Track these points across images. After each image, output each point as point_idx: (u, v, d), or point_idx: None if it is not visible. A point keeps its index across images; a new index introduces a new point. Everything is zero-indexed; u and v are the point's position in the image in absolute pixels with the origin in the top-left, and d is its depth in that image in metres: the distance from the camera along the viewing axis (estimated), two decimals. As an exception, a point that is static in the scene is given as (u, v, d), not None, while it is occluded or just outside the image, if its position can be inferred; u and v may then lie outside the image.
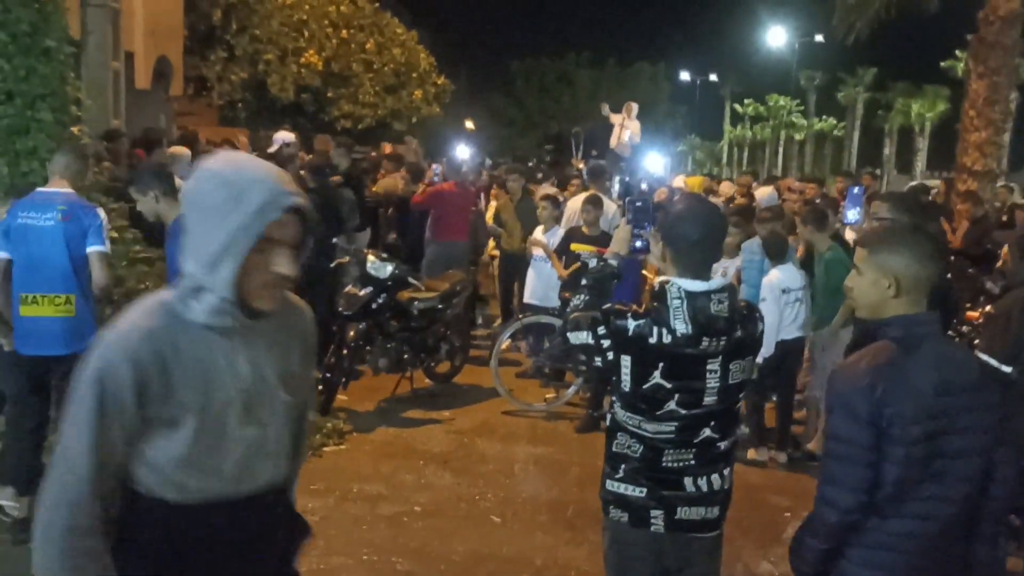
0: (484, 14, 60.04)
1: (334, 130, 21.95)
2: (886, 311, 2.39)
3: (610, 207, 8.05)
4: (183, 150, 9.45)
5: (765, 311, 6.01)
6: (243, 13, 19.59)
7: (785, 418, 6.51)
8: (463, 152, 14.85)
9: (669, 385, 2.62)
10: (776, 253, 6.40)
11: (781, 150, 63.00)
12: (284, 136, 10.23)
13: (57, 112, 5.79)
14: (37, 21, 5.73)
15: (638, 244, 2.95)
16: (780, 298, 6.26)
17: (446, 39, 44.93)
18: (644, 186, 8.47)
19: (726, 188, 12.12)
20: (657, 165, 16.28)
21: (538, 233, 8.36)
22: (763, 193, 10.65)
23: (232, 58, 19.75)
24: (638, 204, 2.96)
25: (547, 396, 7.72)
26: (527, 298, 8.22)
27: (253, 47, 19.75)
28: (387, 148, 14.66)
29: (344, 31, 21.65)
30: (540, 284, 8.12)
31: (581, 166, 15.51)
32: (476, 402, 7.59)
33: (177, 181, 4.97)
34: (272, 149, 9.62)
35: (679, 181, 12.91)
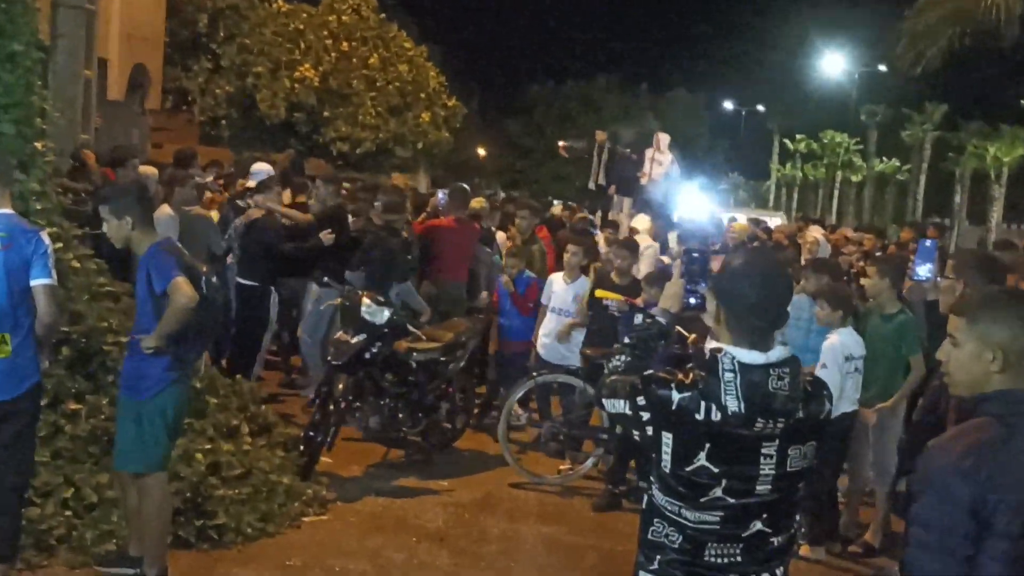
0: (502, 30, 60.91)
1: (329, 154, 22.18)
2: (988, 387, 2.36)
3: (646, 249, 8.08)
4: (151, 170, 9.56)
5: (828, 382, 5.99)
6: (232, 20, 19.94)
7: (833, 506, 6.44)
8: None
9: (716, 469, 2.59)
10: (844, 312, 6.35)
11: (836, 193, 63.18)
12: (263, 168, 10.24)
13: (21, 124, 5.85)
14: (2, 23, 5.81)
15: (692, 301, 2.94)
16: (843, 367, 6.21)
17: (458, 56, 45.59)
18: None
19: (815, 232, 11.66)
20: (700, 207, 16.34)
21: (558, 282, 8.30)
22: (812, 240, 10.58)
23: (217, 69, 20.06)
24: (695, 255, 2.96)
25: (561, 467, 7.64)
26: (541, 354, 8.18)
27: (241, 58, 20.05)
28: (397, 179, 14.75)
29: (345, 43, 21.93)
30: (555, 338, 8.05)
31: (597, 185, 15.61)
32: (479, 471, 7.53)
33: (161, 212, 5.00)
34: (251, 184, 9.63)
35: (740, 222, 12.81)
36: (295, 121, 21.34)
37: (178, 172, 8.75)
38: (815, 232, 10.95)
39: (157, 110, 17.81)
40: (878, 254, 10.71)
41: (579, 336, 7.99)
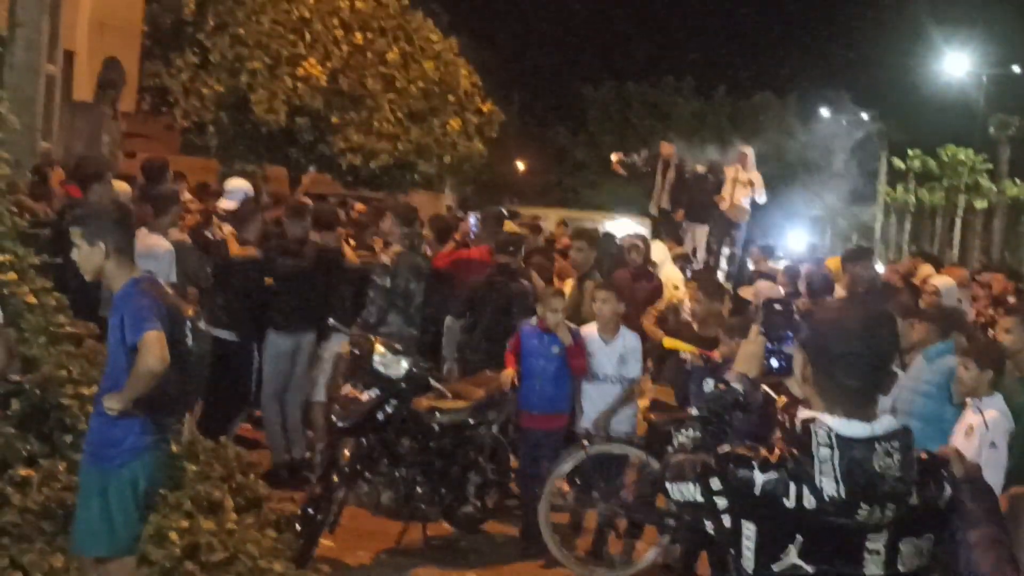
0: (548, 20, 61.22)
1: (338, 168, 22.32)
2: None
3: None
4: (122, 186, 9.69)
5: (995, 465, 5.91)
6: (223, 6, 20.19)
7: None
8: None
9: (811, 569, 2.58)
10: (997, 373, 6.21)
11: (958, 223, 62.65)
12: (240, 187, 10.31)
13: (-31, 129, 5.98)
14: (-48, 11, 5.95)
15: (775, 364, 2.94)
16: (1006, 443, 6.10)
17: (495, 51, 45.82)
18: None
19: (954, 277, 11.40)
20: (797, 238, 16.38)
21: (594, 340, 8.02)
22: (944, 283, 10.45)
23: (205, 65, 20.29)
24: (776, 307, 2.96)
25: (618, 556, 7.61)
26: (584, 423, 8.04)
27: (234, 51, 20.27)
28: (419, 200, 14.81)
29: (358, 35, 22.08)
30: (600, 406, 7.89)
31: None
32: (513, 560, 7.54)
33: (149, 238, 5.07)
34: (230, 206, 9.69)
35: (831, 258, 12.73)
36: (297, 128, 21.46)
37: (162, 189, 8.85)
38: (941, 277, 10.74)
39: (132, 113, 18.06)
40: (1011, 299, 10.58)
41: (631, 409, 7.90)
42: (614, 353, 7.93)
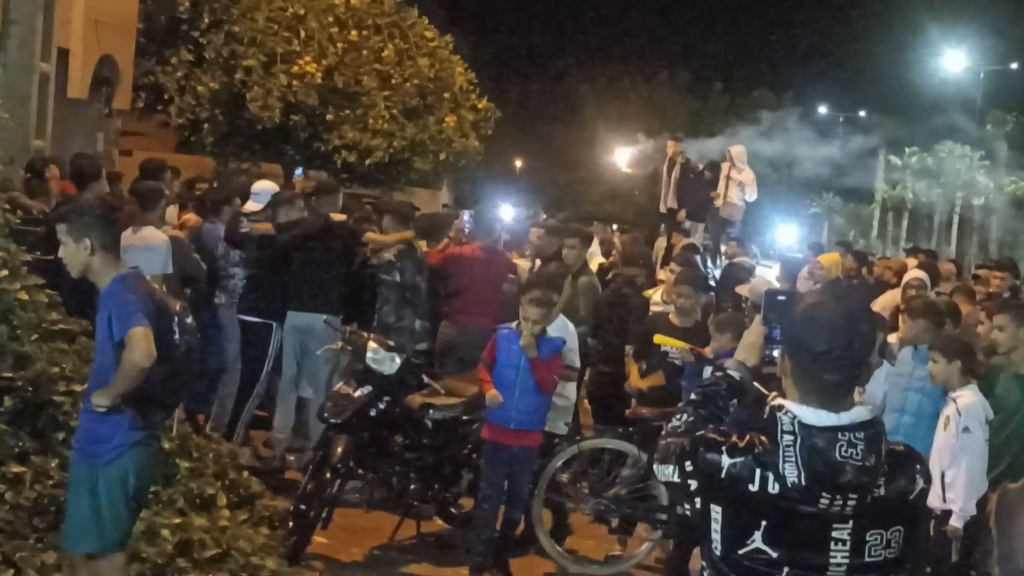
0: (544, 16, 61.18)
1: (333, 166, 22.32)
2: None
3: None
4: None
5: (972, 450, 5.96)
6: (218, 3, 20.19)
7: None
8: (508, 208, 15.04)
9: (774, 554, 2.60)
10: (964, 365, 6.28)
11: (955, 219, 62.60)
12: (269, 188, 10.12)
13: (-38, 127, 5.99)
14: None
15: (776, 354, 2.97)
16: (985, 433, 6.16)
17: (491, 48, 45.85)
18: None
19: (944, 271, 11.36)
20: (792, 235, 16.42)
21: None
22: (915, 280, 10.44)
23: (200, 63, 20.29)
24: (780, 299, 2.99)
25: (610, 553, 7.62)
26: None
27: (229, 49, 20.28)
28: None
29: (354, 32, 22.11)
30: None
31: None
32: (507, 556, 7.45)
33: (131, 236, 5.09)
34: (257, 208, 9.57)
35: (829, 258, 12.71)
36: (292, 125, 21.47)
37: (148, 184, 8.86)
38: (916, 270, 10.76)
39: (127, 110, 18.04)
40: (1006, 296, 10.60)
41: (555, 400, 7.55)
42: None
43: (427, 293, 9.15)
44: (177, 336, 4.81)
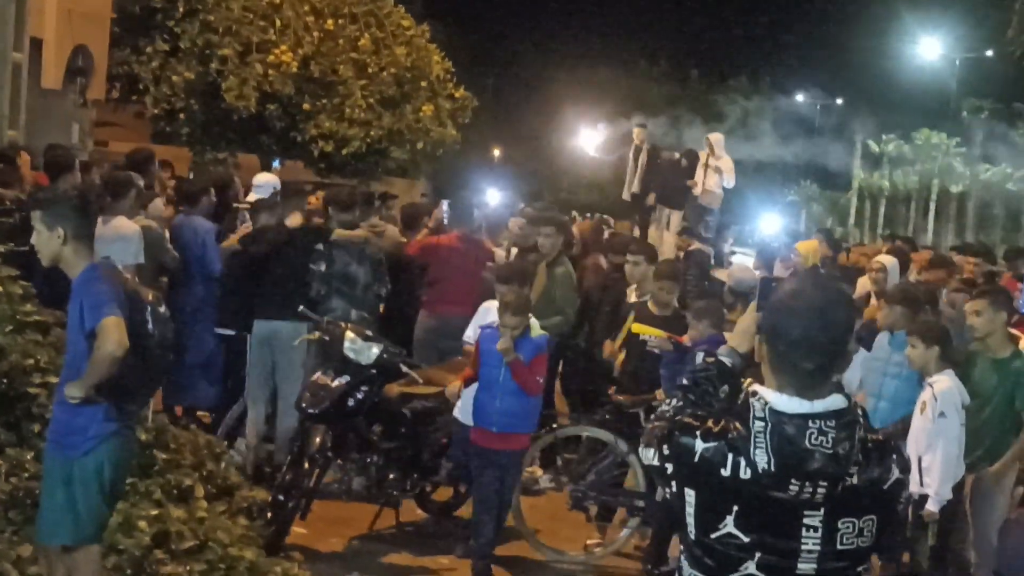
0: (522, 4, 61.10)
1: (309, 155, 22.29)
2: None
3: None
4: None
5: (948, 435, 6.01)
6: (194, -8, 20.10)
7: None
8: (492, 195, 14.99)
9: (746, 539, 2.62)
10: (942, 350, 6.33)
11: (932, 207, 62.91)
12: (270, 181, 9.91)
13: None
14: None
15: None
16: (961, 418, 6.20)
17: (468, 37, 45.74)
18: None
19: (919, 258, 11.41)
20: (770, 223, 16.51)
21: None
22: (878, 266, 10.50)
23: (175, 52, 20.21)
24: (773, 284, 3.03)
25: (588, 542, 7.64)
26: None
27: (204, 38, 20.20)
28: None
29: (329, 21, 22.06)
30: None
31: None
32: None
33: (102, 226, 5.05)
34: (251, 199, 9.42)
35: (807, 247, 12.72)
36: (269, 115, 21.42)
37: (118, 174, 8.78)
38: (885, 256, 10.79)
39: (101, 101, 17.94)
40: (980, 281, 10.64)
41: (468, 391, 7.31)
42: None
43: (389, 282, 9.01)
44: (151, 326, 4.79)
